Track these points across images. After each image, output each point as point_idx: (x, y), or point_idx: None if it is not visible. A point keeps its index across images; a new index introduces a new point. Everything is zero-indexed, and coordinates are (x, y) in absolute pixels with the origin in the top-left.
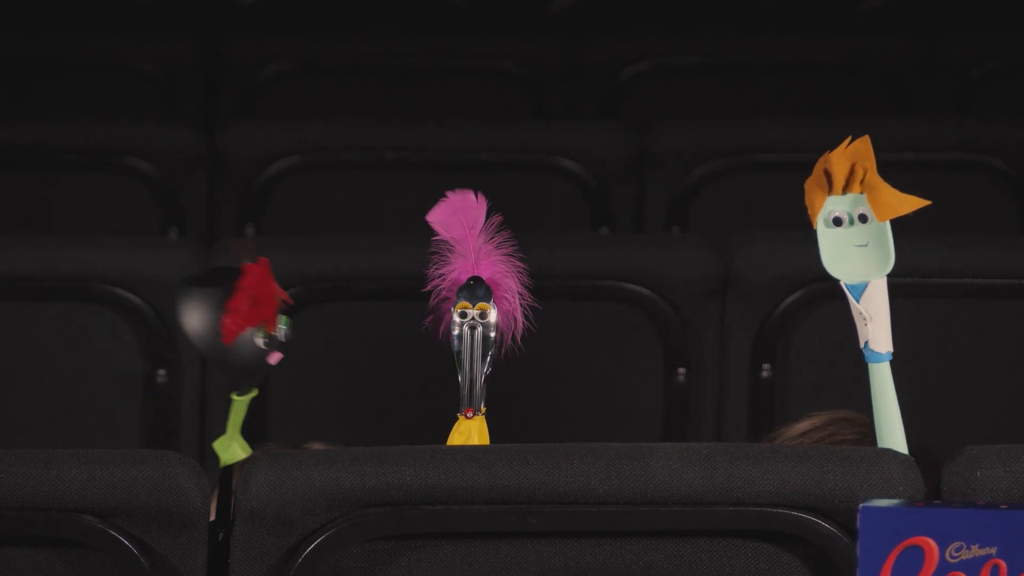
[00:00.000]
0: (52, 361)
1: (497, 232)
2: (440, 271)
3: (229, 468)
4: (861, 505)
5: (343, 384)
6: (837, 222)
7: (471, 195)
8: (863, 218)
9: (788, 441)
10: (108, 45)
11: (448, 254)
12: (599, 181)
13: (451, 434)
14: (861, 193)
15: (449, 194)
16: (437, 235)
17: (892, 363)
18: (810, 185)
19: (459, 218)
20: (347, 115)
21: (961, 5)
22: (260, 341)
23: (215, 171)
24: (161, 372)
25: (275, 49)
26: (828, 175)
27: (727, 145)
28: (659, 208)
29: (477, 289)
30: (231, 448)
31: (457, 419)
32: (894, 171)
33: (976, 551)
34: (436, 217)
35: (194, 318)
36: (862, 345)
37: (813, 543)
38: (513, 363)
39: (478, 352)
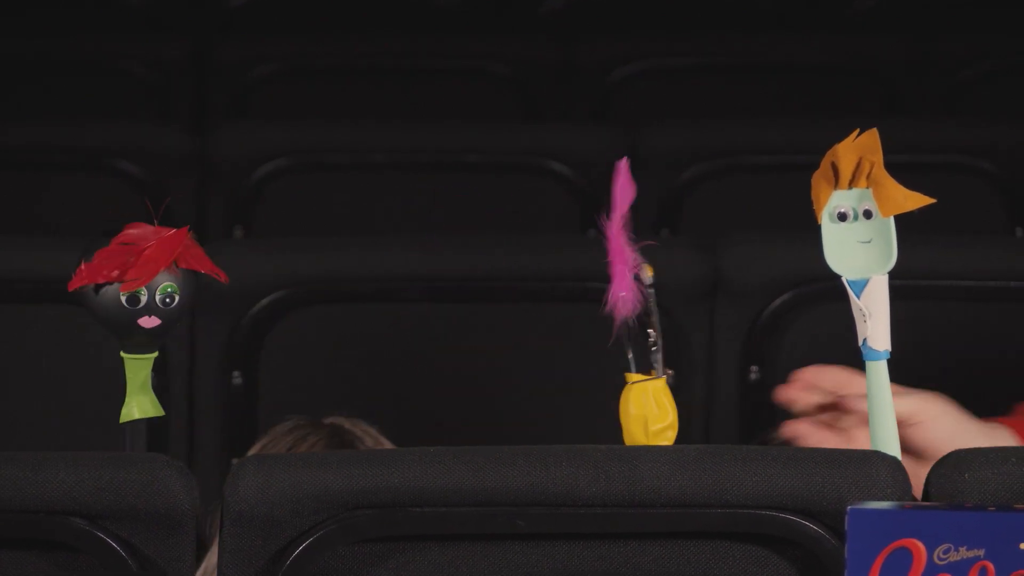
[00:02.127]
0: (48, 363)
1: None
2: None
3: (140, 425)
4: (849, 507)
5: (333, 385)
6: (842, 217)
7: (625, 166)
8: (868, 214)
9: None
10: (99, 46)
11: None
12: (589, 183)
13: (665, 397)
14: (867, 188)
15: (619, 164)
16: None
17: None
18: (817, 179)
19: (623, 193)
20: (337, 116)
21: (954, 6)
22: (123, 298)
23: (205, 172)
24: (152, 375)
25: (266, 50)
26: (835, 168)
27: (718, 147)
28: (649, 210)
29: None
30: (137, 405)
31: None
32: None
33: (964, 553)
34: (622, 191)
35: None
36: (860, 343)
37: (802, 545)
38: (504, 365)
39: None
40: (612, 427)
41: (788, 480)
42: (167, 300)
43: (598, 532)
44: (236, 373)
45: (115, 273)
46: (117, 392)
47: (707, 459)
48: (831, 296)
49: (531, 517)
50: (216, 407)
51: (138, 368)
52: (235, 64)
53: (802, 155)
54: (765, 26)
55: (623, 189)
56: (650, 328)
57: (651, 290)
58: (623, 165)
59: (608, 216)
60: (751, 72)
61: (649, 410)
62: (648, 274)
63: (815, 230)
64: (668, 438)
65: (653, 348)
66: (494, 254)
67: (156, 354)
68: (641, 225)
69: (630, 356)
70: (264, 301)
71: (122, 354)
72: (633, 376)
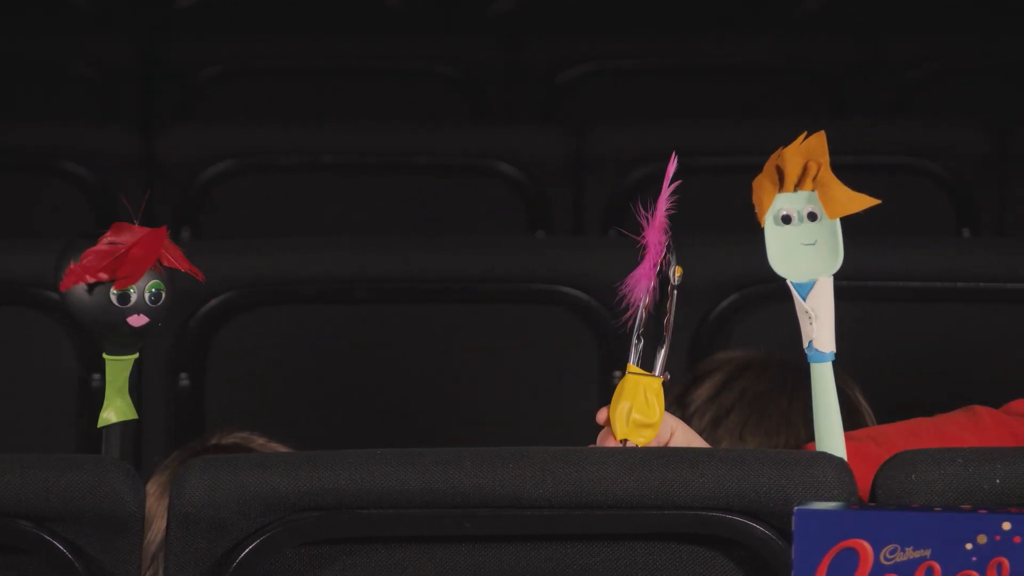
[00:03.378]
0: None
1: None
2: (645, 232)
3: (116, 429)
4: (796, 508)
5: (280, 387)
6: (786, 220)
7: (674, 158)
8: (812, 216)
9: (702, 406)
10: (44, 47)
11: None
12: (537, 184)
13: (656, 398)
14: (812, 191)
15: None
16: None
17: (833, 365)
18: (759, 181)
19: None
20: (285, 118)
21: (900, 7)
22: (113, 297)
23: (152, 174)
24: (96, 376)
25: (213, 51)
26: (780, 171)
27: (665, 148)
28: (597, 211)
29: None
30: (114, 408)
31: (650, 385)
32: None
33: (911, 553)
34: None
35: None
36: (805, 345)
37: (748, 546)
38: (453, 366)
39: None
40: (561, 427)
41: (734, 481)
42: (154, 298)
43: (545, 534)
44: (183, 375)
45: (105, 273)
46: (53, 395)
47: (654, 461)
48: (783, 295)
49: (478, 519)
50: (163, 409)
51: (119, 370)
52: (182, 65)
53: (750, 156)
54: (712, 27)
55: (668, 185)
56: (664, 326)
57: (675, 291)
58: (672, 159)
59: (652, 207)
60: (699, 73)
61: (637, 402)
62: (677, 274)
63: (762, 232)
64: (645, 436)
65: (660, 346)
66: (442, 255)
67: (137, 355)
68: (589, 226)
69: (633, 347)
70: (212, 303)
71: (105, 356)
72: (633, 368)
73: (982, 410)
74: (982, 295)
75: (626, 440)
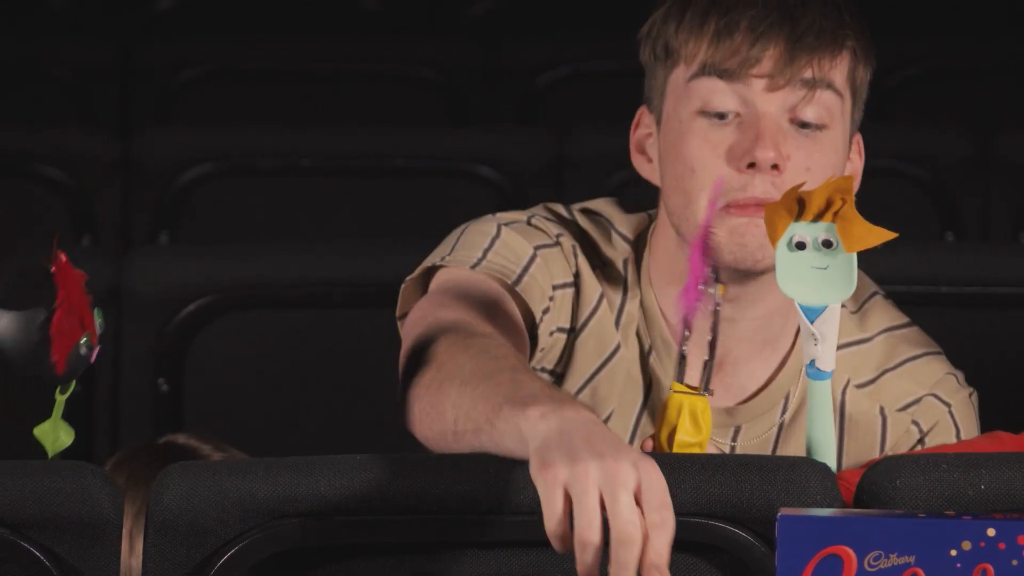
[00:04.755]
0: None
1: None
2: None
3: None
4: (779, 514)
5: (259, 391)
6: (800, 246)
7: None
8: (827, 244)
9: None
10: (20, 49)
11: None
12: (516, 187)
13: (703, 416)
14: (831, 222)
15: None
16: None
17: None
18: (774, 208)
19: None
20: (264, 121)
21: (880, 11)
22: (83, 349)
23: (129, 178)
24: (161, 380)
25: (191, 54)
26: (801, 203)
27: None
28: None
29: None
30: (59, 438)
31: (695, 400)
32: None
33: (895, 560)
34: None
35: (11, 342)
36: (806, 363)
37: (730, 552)
38: None
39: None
40: None
41: (717, 487)
42: (101, 325)
43: (529, 540)
44: (162, 380)
45: (88, 327)
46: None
47: None
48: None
49: (460, 525)
50: (142, 414)
51: (63, 401)
52: (160, 67)
53: None
54: None
55: (711, 207)
56: (710, 345)
57: (719, 308)
58: (718, 184)
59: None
60: None
61: (681, 422)
62: (720, 293)
63: None
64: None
65: (705, 365)
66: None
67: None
68: None
69: (678, 365)
70: (190, 307)
71: (58, 396)
72: (678, 386)
73: (1005, 436)
74: (966, 300)
75: None
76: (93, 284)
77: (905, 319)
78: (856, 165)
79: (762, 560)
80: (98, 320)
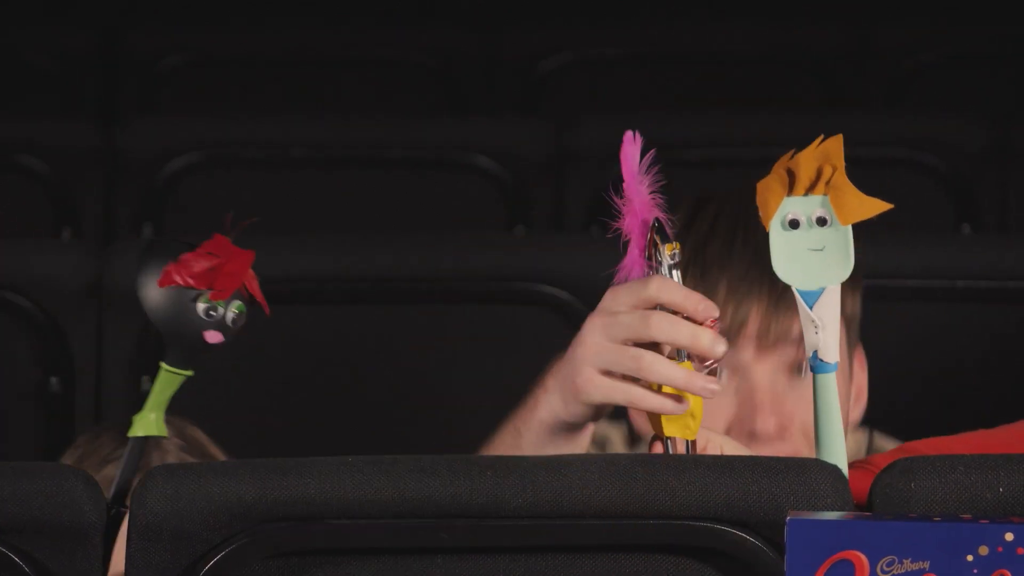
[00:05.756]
0: None
1: (646, 172)
2: (622, 220)
3: (139, 443)
4: (788, 518)
5: (249, 388)
6: (794, 224)
7: (629, 135)
8: (821, 221)
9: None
10: (1, 37)
11: (624, 202)
12: (516, 178)
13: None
14: (824, 195)
15: (624, 136)
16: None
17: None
18: (766, 184)
19: (626, 163)
20: (252, 110)
21: None
22: (200, 308)
23: (112, 168)
24: (54, 380)
25: (177, 40)
26: (791, 174)
27: (649, 140)
28: (579, 206)
29: (663, 227)
30: (144, 420)
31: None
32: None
33: (908, 565)
34: (623, 163)
35: (150, 273)
36: (809, 355)
37: (738, 558)
38: (427, 367)
39: None
40: None
41: (723, 490)
42: (236, 319)
43: (525, 545)
44: (145, 378)
45: (203, 282)
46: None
47: (639, 468)
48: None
49: (454, 530)
50: (125, 412)
51: (169, 383)
52: (145, 55)
53: (738, 148)
54: (697, 14)
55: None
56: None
57: (674, 269)
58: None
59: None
60: (685, 63)
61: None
62: (668, 252)
63: None
64: (691, 428)
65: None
66: (417, 253)
67: (192, 373)
68: (571, 221)
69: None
70: None
71: (162, 365)
72: None
73: None
74: (983, 294)
75: (673, 439)
76: (73, 278)
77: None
78: (860, 379)
79: (770, 566)
80: (234, 309)
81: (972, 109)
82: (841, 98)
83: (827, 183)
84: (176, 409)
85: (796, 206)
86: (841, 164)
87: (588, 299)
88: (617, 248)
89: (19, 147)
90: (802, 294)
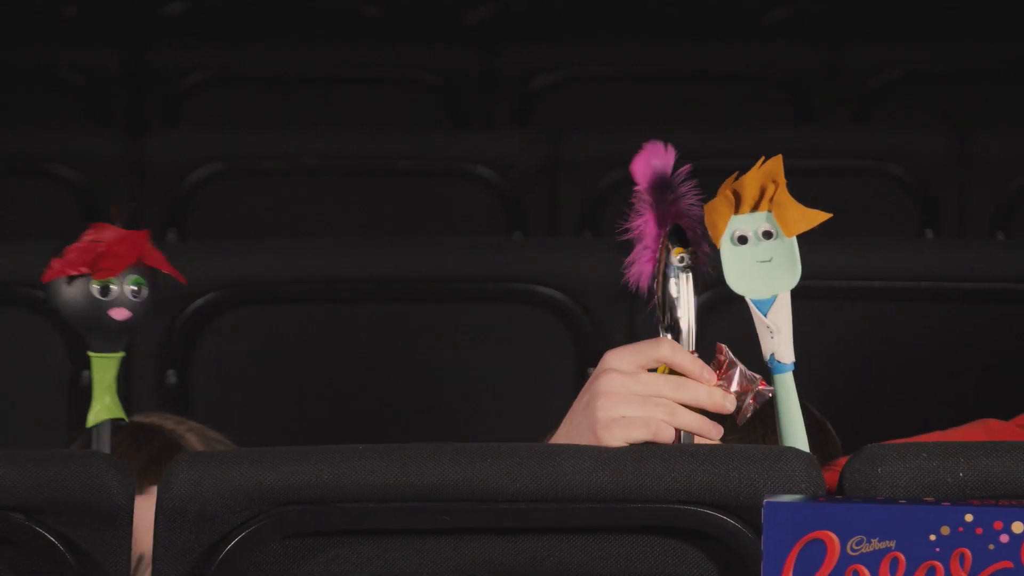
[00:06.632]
0: None
1: (683, 182)
2: (636, 222)
3: (106, 428)
4: (765, 500)
5: (265, 384)
6: (742, 240)
7: (660, 145)
8: (768, 234)
9: None
10: (34, 55)
11: (642, 205)
12: (513, 187)
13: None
14: (768, 211)
15: (645, 145)
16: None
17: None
18: (713, 205)
19: (650, 168)
20: (269, 123)
21: (863, 16)
22: (95, 289)
23: (139, 178)
24: (85, 373)
25: (199, 58)
26: (736, 195)
27: (636, 152)
28: (572, 213)
29: (682, 234)
30: (101, 405)
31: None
32: (795, 178)
33: (876, 544)
34: (635, 167)
35: (69, 304)
36: (766, 358)
37: (719, 538)
38: (433, 364)
39: (693, 295)
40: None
41: (706, 476)
42: (135, 292)
43: (522, 527)
44: (171, 372)
45: (85, 266)
46: (43, 393)
47: (629, 456)
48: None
49: (457, 512)
50: (151, 405)
51: (106, 367)
52: (169, 72)
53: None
54: (684, 35)
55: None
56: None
57: (686, 272)
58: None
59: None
60: (668, 80)
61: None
62: (676, 254)
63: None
64: None
65: (677, 335)
66: (421, 256)
67: (123, 354)
68: (564, 228)
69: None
70: (198, 302)
71: (90, 354)
72: None
73: (995, 424)
74: (945, 295)
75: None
76: None
77: None
78: None
79: (749, 545)
80: (129, 284)
81: (934, 122)
82: (813, 113)
83: (770, 200)
84: (201, 406)
85: (743, 223)
86: (782, 181)
87: (581, 298)
88: (617, 248)
89: (52, 157)
90: (755, 303)
